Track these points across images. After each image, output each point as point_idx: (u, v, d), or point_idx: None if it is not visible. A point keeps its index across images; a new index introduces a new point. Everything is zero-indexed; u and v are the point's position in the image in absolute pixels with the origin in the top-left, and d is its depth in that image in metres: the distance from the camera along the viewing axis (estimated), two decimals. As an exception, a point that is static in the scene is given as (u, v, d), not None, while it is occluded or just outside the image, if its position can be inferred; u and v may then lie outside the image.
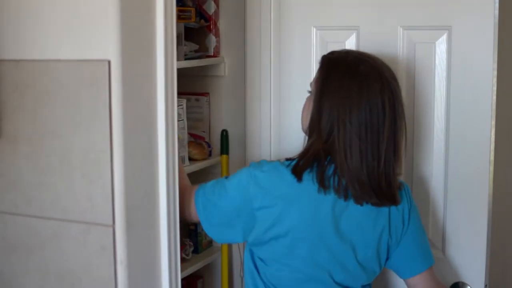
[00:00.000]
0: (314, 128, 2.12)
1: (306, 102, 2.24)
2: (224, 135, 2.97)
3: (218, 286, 3.18)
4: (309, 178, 2.10)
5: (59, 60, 1.98)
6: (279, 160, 2.20)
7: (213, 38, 2.99)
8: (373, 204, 2.12)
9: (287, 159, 2.18)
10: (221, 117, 3.05)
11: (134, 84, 1.98)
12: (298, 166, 2.11)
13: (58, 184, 2.02)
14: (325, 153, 2.09)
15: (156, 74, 2.05)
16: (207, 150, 2.96)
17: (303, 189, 2.10)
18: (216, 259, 3.13)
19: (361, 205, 2.11)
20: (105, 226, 1.98)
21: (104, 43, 1.92)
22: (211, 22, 2.99)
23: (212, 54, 3.00)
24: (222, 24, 3.04)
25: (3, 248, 2.13)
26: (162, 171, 2.08)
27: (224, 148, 2.96)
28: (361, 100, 2.06)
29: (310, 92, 2.21)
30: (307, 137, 2.18)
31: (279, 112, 2.84)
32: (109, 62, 1.92)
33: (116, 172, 1.95)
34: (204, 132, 3.03)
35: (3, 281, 2.15)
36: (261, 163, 2.18)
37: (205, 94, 3.04)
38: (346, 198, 2.10)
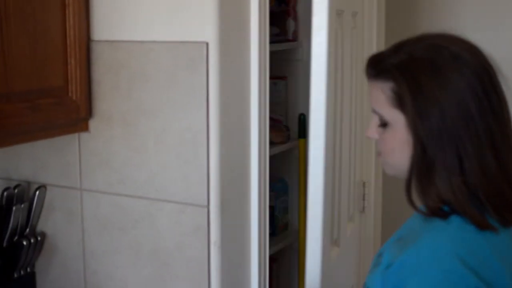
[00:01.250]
0: (433, 168, 1.44)
1: (387, 136, 1.50)
2: (302, 119, 2.97)
3: (291, 268, 3.20)
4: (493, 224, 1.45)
5: (155, 42, 2.00)
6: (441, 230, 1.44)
7: (292, 22, 2.99)
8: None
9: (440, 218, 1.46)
10: (298, 101, 3.05)
11: (230, 66, 1.99)
12: (476, 216, 1.43)
13: (152, 164, 2.04)
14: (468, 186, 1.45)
15: (250, 56, 2.06)
16: (285, 133, 2.97)
17: (502, 239, 1.46)
18: (292, 242, 3.14)
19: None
20: (200, 206, 1.99)
21: (202, 25, 1.93)
22: (290, 6, 2.99)
23: (290, 38, 3.00)
24: (300, 8, 3.04)
25: (95, 227, 2.16)
26: (254, 152, 2.09)
27: (302, 132, 2.97)
28: (476, 90, 1.42)
29: (384, 124, 1.50)
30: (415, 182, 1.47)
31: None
32: (207, 44, 1.93)
33: (212, 153, 1.96)
34: (281, 115, 3.04)
35: (96, 259, 2.18)
36: (444, 247, 1.40)
37: (284, 77, 3.04)
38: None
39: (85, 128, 2.11)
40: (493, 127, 1.42)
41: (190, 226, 2.01)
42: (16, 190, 2.19)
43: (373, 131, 1.54)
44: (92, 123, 2.11)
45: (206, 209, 1.99)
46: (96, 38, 2.08)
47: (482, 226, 1.42)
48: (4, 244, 2.17)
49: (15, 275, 2.21)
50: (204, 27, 1.93)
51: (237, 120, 2.05)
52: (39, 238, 2.21)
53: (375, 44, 2.76)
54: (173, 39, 1.97)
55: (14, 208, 2.14)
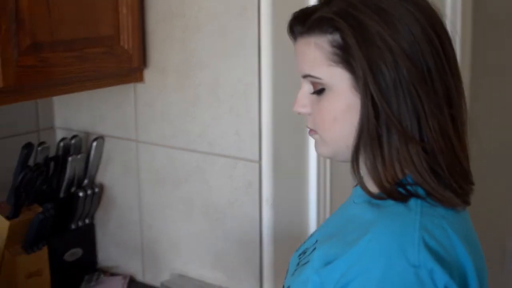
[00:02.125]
0: (386, 134, 1.17)
1: (325, 104, 1.23)
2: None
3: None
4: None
5: (209, -12, 1.91)
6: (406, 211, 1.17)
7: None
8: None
9: (405, 197, 1.19)
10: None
11: (285, 14, 1.88)
12: (441, 191, 1.19)
13: (205, 117, 1.97)
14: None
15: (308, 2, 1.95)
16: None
17: (462, 218, 1.24)
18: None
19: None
20: (251, 161, 1.91)
21: (254, -30, 1.84)
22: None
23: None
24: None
25: (150, 179, 2.12)
26: (313, 107, 1.98)
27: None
28: (431, 36, 1.18)
29: (320, 90, 1.23)
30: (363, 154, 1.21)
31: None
32: (259, -8, 1.83)
33: (264, 107, 1.87)
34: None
35: (149, 212, 2.14)
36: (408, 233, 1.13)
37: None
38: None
39: (139, 78, 2.05)
40: (449, 81, 1.19)
41: (242, 181, 1.94)
42: (73, 141, 2.17)
43: (304, 102, 1.28)
44: (147, 74, 2.05)
45: (257, 165, 1.90)
46: (150, -15, 2.01)
47: (448, 203, 1.19)
48: (61, 195, 2.15)
49: (73, 226, 2.20)
50: (256, -27, 1.83)
51: (292, 73, 1.93)
52: (96, 190, 2.19)
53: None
54: (226, -14, 1.88)
55: (70, 158, 2.12)
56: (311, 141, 1.99)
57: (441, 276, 1.09)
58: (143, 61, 2.03)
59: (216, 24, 1.91)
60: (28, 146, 2.04)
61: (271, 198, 1.91)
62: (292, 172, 1.97)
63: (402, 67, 1.14)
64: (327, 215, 2.08)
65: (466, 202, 1.22)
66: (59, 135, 2.26)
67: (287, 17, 1.88)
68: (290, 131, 1.94)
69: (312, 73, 1.22)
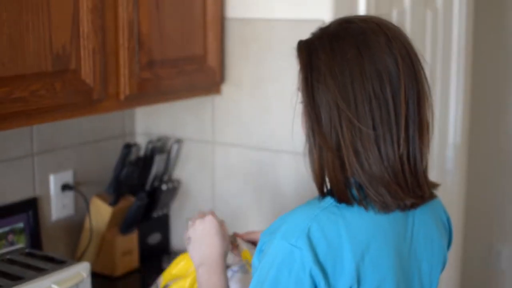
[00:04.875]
0: (316, 138, 1.47)
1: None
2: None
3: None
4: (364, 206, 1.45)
5: (279, 20, 2.40)
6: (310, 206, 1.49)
7: None
8: (402, 209, 1.47)
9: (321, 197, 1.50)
10: None
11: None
12: (342, 193, 1.44)
13: (275, 121, 2.45)
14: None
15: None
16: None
17: (375, 223, 1.46)
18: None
19: (388, 212, 1.45)
20: (314, 156, 2.37)
21: (319, 4, 2.32)
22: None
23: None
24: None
25: (224, 175, 2.58)
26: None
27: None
28: (363, 69, 1.39)
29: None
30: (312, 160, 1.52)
31: None
32: (323, 22, 2.30)
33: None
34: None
35: (221, 201, 2.60)
36: (296, 222, 1.44)
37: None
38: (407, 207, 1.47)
39: (218, 91, 2.53)
40: (376, 115, 1.40)
41: (306, 173, 2.39)
42: (158, 143, 2.62)
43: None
44: (224, 87, 2.53)
45: (319, 159, 2.37)
46: (229, 16, 2.49)
47: (340, 198, 1.43)
48: (147, 188, 2.60)
49: (154, 215, 2.65)
50: (320, 6, 2.31)
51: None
52: (175, 184, 2.64)
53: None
54: (294, 17, 2.36)
55: (157, 157, 2.57)
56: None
57: (308, 261, 1.37)
58: (222, 77, 2.50)
59: (286, 48, 2.36)
60: (128, 146, 2.51)
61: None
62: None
63: (329, 91, 1.41)
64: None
65: (385, 208, 1.43)
66: (139, 139, 2.72)
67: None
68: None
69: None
